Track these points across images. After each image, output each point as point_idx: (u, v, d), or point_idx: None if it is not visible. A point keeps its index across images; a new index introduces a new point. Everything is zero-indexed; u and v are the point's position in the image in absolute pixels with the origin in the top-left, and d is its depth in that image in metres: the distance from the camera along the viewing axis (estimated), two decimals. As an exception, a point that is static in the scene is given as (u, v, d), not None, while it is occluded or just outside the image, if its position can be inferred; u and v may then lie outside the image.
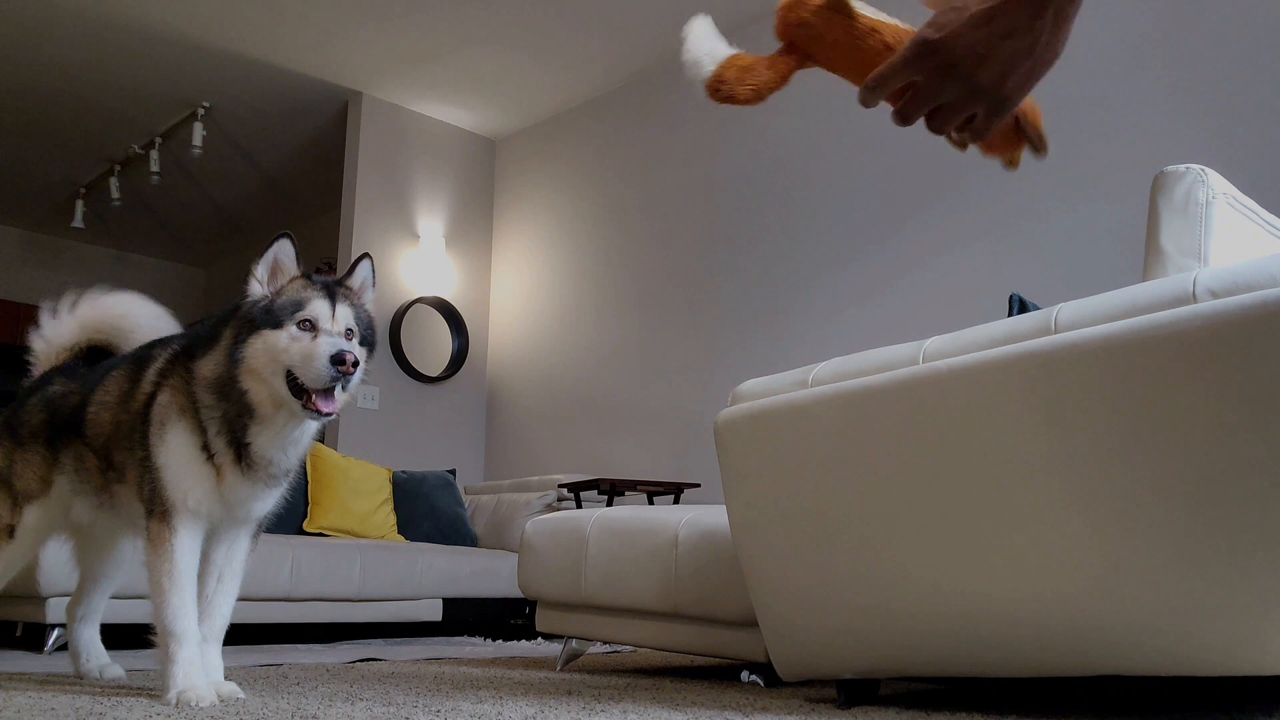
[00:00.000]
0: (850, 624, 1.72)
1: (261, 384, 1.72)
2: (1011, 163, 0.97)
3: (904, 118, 0.86)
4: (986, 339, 1.51)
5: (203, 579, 1.83)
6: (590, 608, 2.55)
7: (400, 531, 4.51)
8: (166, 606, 1.72)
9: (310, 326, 1.72)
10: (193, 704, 1.64)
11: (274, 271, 1.78)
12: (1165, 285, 1.35)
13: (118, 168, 6.32)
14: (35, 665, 2.51)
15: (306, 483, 4.32)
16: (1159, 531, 1.32)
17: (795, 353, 4.11)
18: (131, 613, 2.75)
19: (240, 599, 1.90)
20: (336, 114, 5.76)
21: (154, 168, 5.96)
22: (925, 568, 1.57)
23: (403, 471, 4.76)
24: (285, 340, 1.70)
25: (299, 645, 3.58)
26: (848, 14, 0.90)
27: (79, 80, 5.37)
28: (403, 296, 5.52)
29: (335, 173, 5.92)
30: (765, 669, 2.19)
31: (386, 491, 4.59)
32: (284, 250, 1.79)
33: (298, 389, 1.69)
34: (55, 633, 2.99)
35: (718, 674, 2.52)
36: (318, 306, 1.73)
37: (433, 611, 4.05)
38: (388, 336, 5.39)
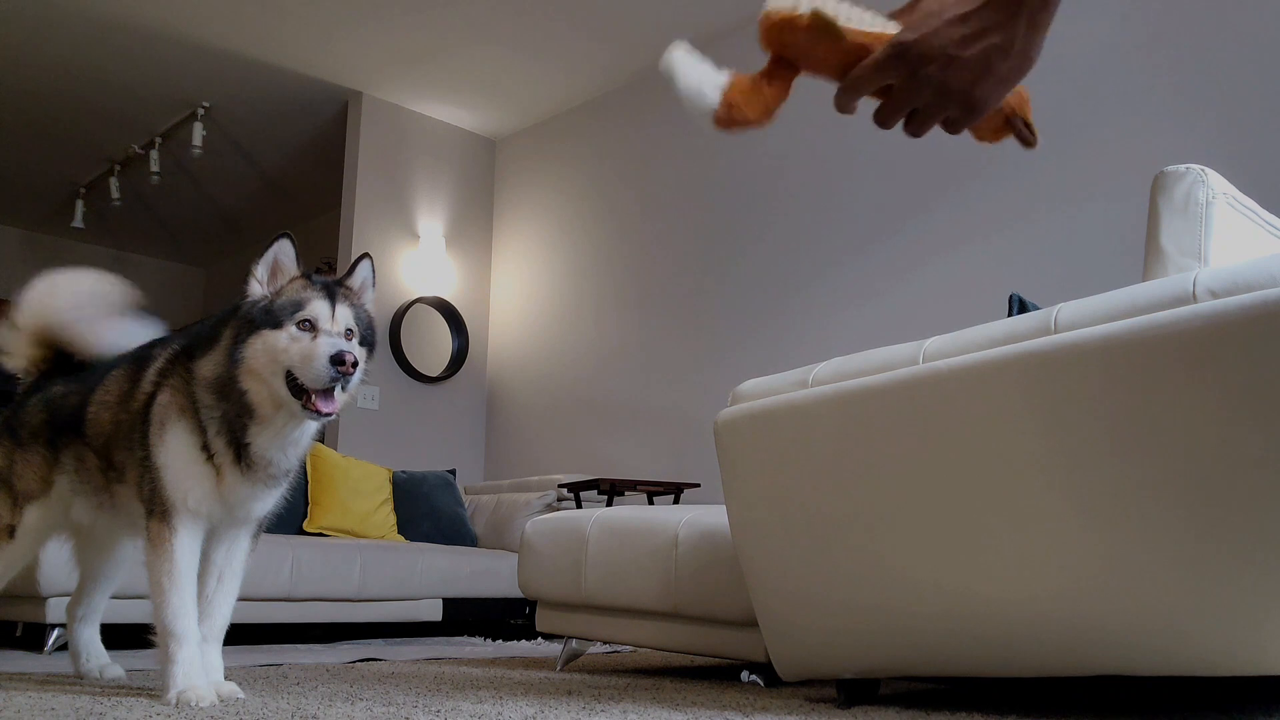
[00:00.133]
0: (850, 624, 1.72)
1: (261, 384, 1.72)
2: (996, 141, 0.98)
3: (882, 122, 0.87)
4: (986, 339, 1.51)
5: (203, 579, 1.83)
6: (590, 608, 2.55)
7: (400, 531, 4.51)
8: (166, 606, 1.72)
9: (310, 327, 1.71)
10: (193, 704, 1.64)
11: (274, 272, 1.78)
12: (1165, 285, 1.35)
13: (118, 168, 6.32)
14: (35, 665, 2.51)
15: (306, 483, 4.33)
16: (1159, 531, 1.32)
17: (795, 353, 4.11)
18: (131, 613, 2.75)
19: (240, 599, 1.90)
20: (336, 114, 5.76)
21: (154, 168, 5.96)
22: (925, 567, 1.57)
23: (403, 471, 4.76)
24: (285, 340, 1.70)
25: (299, 645, 3.58)
26: (835, 36, 0.90)
27: (79, 80, 5.37)
28: (403, 296, 5.52)
29: (335, 173, 5.92)
30: (765, 669, 2.19)
31: (386, 491, 4.59)
32: (284, 250, 1.79)
33: (297, 389, 1.69)
34: (55, 633, 2.99)
35: (718, 674, 2.52)
36: (317, 307, 1.73)
37: (433, 611, 4.05)
38: (388, 336, 5.39)
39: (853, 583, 1.69)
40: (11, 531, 2.00)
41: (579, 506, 4.25)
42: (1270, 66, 3.13)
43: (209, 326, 1.84)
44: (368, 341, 1.81)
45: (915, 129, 0.87)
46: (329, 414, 1.69)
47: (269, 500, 1.86)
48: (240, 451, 1.76)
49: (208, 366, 1.77)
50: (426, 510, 4.60)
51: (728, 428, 1.85)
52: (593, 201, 5.46)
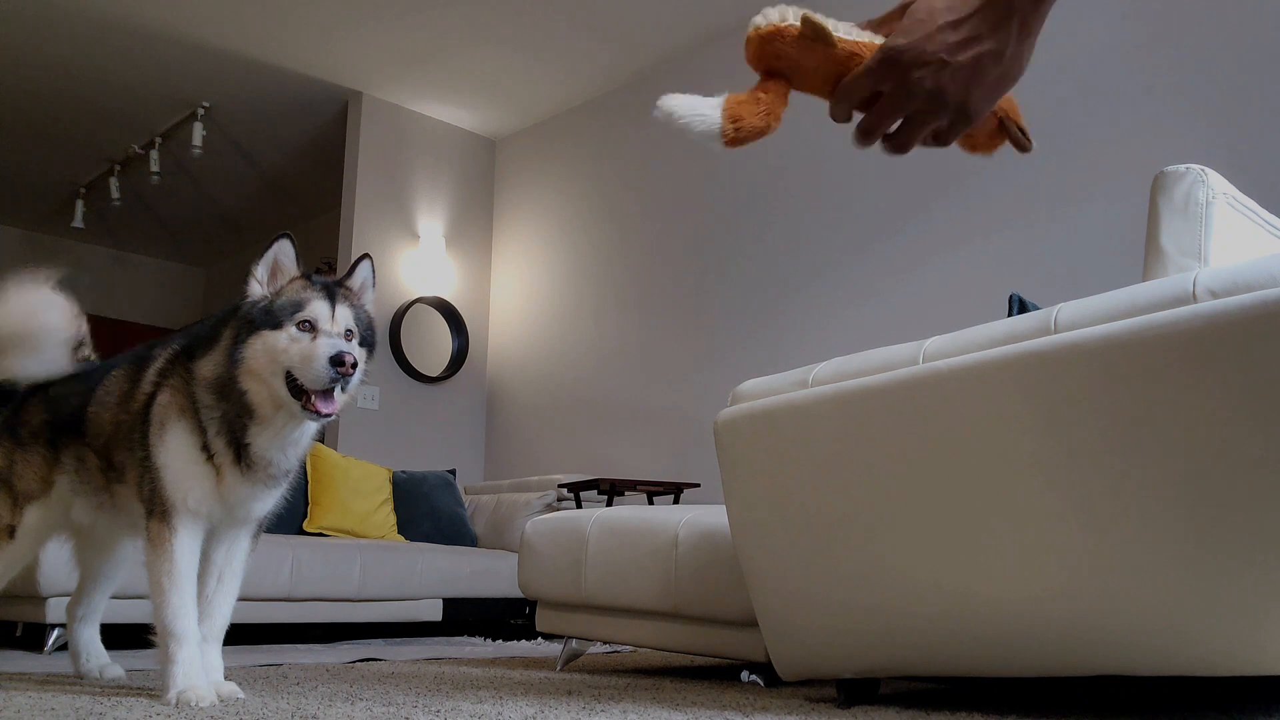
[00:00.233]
0: (850, 624, 1.72)
1: (261, 385, 1.72)
2: (983, 154, 0.97)
3: (868, 132, 0.85)
4: (986, 339, 1.51)
5: (203, 579, 1.83)
6: (590, 608, 2.55)
7: (400, 531, 4.51)
8: (166, 606, 1.72)
9: (310, 327, 1.71)
10: (193, 704, 1.64)
11: (274, 272, 1.78)
12: (1165, 285, 1.35)
13: (118, 168, 6.32)
14: (35, 665, 2.51)
15: (306, 483, 4.33)
16: (1159, 531, 1.32)
17: (795, 353, 4.11)
18: (131, 613, 2.75)
19: (240, 599, 1.90)
20: (336, 114, 5.76)
21: (154, 168, 5.96)
22: (925, 567, 1.57)
23: (403, 471, 4.76)
24: (285, 341, 1.70)
25: (299, 645, 3.58)
26: (827, 42, 0.89)
27: (79, 80, 5.37)
28: (403, 296, 5.52)
29: (335, 173, 5.92)
30: (765, 669, 2.19)
31: (386, 491, 4.59)
32: (284, 251, 1.79)
33: (297, 390, 1.69)
34: (55, 633, 2.99)
35: (718, 674, 2.52)
36: (317, 307, 1.73)
37: (433, 611, 4.05)
38: (388, 336, 5.40)
39: (853, 583, 1.69)
40: (11, 531, 2.00)
41: (579, 506, 4.25)
42: (1270, 66, 3.13)
43: (209, 327, 1.84)
44: (368, 342, 1.81)
45: (901, 141, 0.86)
46: (329, 414, 1.69)
47: (269, 500, 1.86)
48: (240, 452, 1.76)
49: (208, 367, 1.77)
50: (426, 510, 4.60)
51: (728, 428, 1.85)
52: (593, 202, 5.46)
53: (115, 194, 6.34)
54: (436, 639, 4.13)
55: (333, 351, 1.66)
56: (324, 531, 4.24)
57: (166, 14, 4.75)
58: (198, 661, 1.73)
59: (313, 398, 1.68)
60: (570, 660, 2.68)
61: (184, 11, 4.73)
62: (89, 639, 2.18)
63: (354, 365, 1.68)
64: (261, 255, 1.78)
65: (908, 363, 1.60)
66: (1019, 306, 1.99)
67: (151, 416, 1.80)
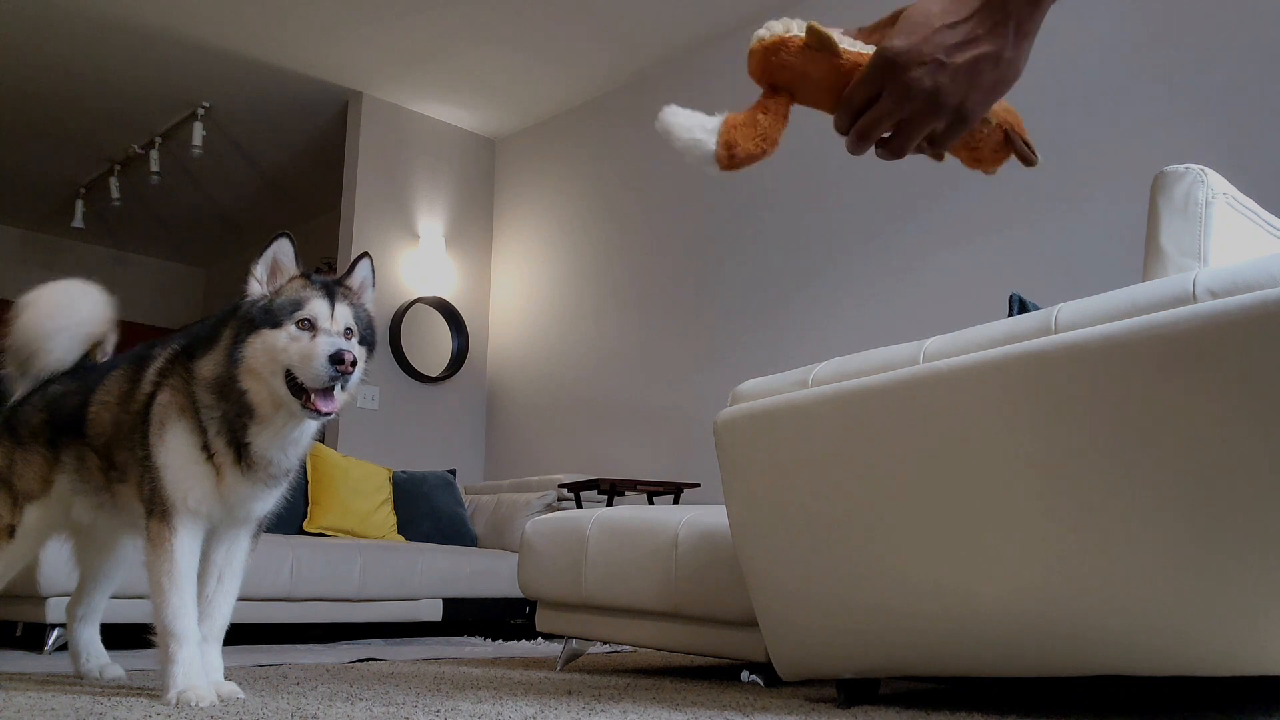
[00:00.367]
0: (850, 624, 1.72)
1: (261, 384, 1.72)
2: (989, 172, 0.97)
3: (863, 134, 0.85)
4: (986, 339, 1.51)
5: (203, 579, 1.83)
6: (590, 608, 2.55)
7: (400, 531, 4.51)
8: (166, 606, 1.72)
9: (309, 326, 1.71)
10: (193, 704, 1.64)
11: (273, 271, 1.78)
12: (1165, 285, 1.35)
13: (118, 168, 6.32)
14: (35, 665, 2.51)
15: (306, 483, 4.33)
16: (1159, 531, 1.32)
17: (795, 353, 4.11)
18: (131, 613, 2.75)
19: (240, 599, 1.90)
20: (336, 114, 5.76)
21: (154, 168, 5.96)
22: (926, 567, 1.57)
23: (403, 471, 4.76)
24: (284, 340, 1.70)
25: (299, 645, 3.58)
26: (833, 52, 0.88)
27: (79, 80, 5.37)
28: (403, 296, 5.52)
29: (335, 173, 5.92)
30: (765, 669, 2.19)
31: (386, 491, 4.59)
32: (283, 250, 1.79)
33: (297, 388, 1.69)
34: (55, 633, 2.99)
35: (718, 674, 2.52)
36: (316, 306, 1.73)
37: (433, 611, 4.05)
38: (388, 336, 5.40)
39: (853, 583, 1.69)
40: (11, 531, 2.00)
41: (579, 506, 4.25)
42: (1270, 66, 3.13)
43: (209, 326, 1.84)
44: (367, 341, 1.81)
45: (897, 145, 0.85)
46: (328, 413, 1.69)
47: (269, 500, 1.85)
48: (240, 451, 1.76)
49: (207, 366, 1.77)
50: (426, 510, 4.60)
51: (728, 428, 1.85)
52: (593, 202, 5.46)
53: (115, 194, 6.34)
54: (436, 639, 4.13)
55: (332, 350, 1.66)
56: (324, 531, 4.24)
57: (166, 14, 4.75)
58: (198, 661, 1.73)
59: (312, 396, 1.68)
60: (570, 660, 2.68)
61: (184, 11, 4.73)
62: (89, 639, 2.18)
63: (353, 363, 1.68)
64: (260, 254, 1.78)
65: (908, 363, 1.60)
66: (1019, 306, 1.99)
67: (152, 416, 1.80)
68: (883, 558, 1.63)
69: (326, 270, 5.61)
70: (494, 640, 3.98)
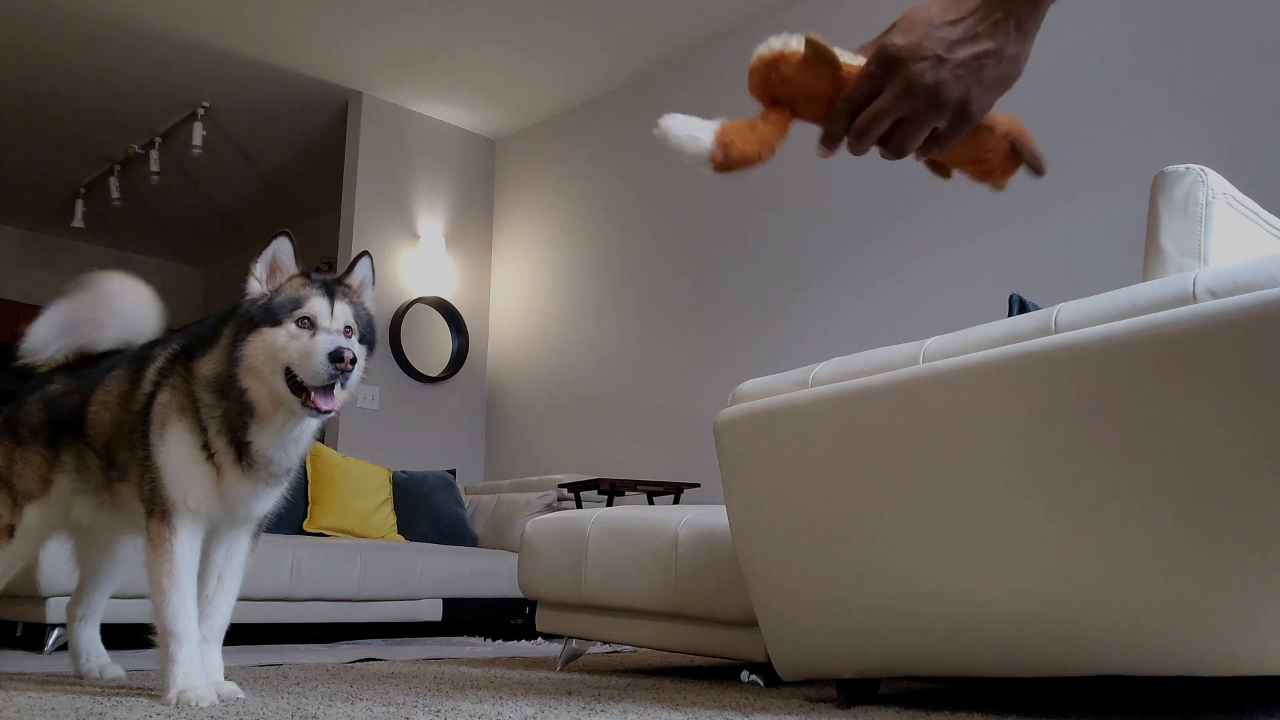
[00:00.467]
0: (850, 624, 1.72)
1: (261, 382, 1.72)
2: (1000, 186, 0.96)
3: (861, 133, 0.84)
4: (986, 339, 1.51)
5: (203, 579, 1.83)
6: (590, 608, 2.55)
7: (400, 531, 4.51)
8: (166, 606, 1.72)
9: (309, 324, 1.71)
10: (193, 704, 1.64)
11: (273, 270, 1.78)
12: (1165, 285, 1.35)
13: (118, 168, 6.32)
14: (35, 665, 2.50)
15: (306, 482, 4.33)
16: (1159, 531, 1.32)
17: (795, 353, 4.11)
18: (131, 613, 2.75)
19: (240, 599, 1.90)
20: (336, 114, 5.76)
21: (154, 168, 5.96)
22: (925, 567, 1.57)
23: (403, 471, 4.76)
24: (284, 338, 1.70)
25: (299, 645, 3.58)
26: (832, 64, 0.88)
27: (79, 80, 5.37)
28: (403, 296, 5.52)
29: (335, 173, 5.92)
30: (765, 669, 2.19)
31: (386, 491, 4.59)
32: (282, 248, 1.79)
33: (297, 387, 1.69)
34: (55, 633, 2.99)
35: (718, 674, 2.52)
36: (316, 304, 1.73)
37: (433, 611, 4.05)
38: (388, 336, 5.40)
39: (853, 583, 1.69)
40: (11, 531, 2.00)
41: (579, 506, 4.25)
42: (1270, 66, 3.13)
43: (209, 326, 1.84)
44: (367, 339, 1.81)
45: (898, 144, 0.84)
46: (328, 411, 1.69)
47: (270, 499, 1.85)
48: (241, 450, 1.76)
49: (208, 365, 1.77)
50: (426, 510, 4.60)
51: (728, 428, 1.85)
52: (593, 202, 5.46)
53: (115, 194, 6.34)
54: (436, 639, 4.13)
55: (331, 347, 1.66)
56: (324, 531, 4.24)
57: (166, 14, 4.75)
58: (198, 661, 1.73)
59: (312, 395, 1.68)
60: (570, 660, 2.68)
61: (184, 11, 4.73)
62: (89, 639, 2.18)
63: (353, 361, 1.68)
64: (260, 253, 1.78)
65: (908, 363, 1.60)
66: (1019, 306, 1.99)
67: (152, 416, 1.80)
68: (883, 558, 1.63)
69: (326, 269, 5.61)
70: (494, 640, 3.98)
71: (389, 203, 5.60)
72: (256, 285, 1.77)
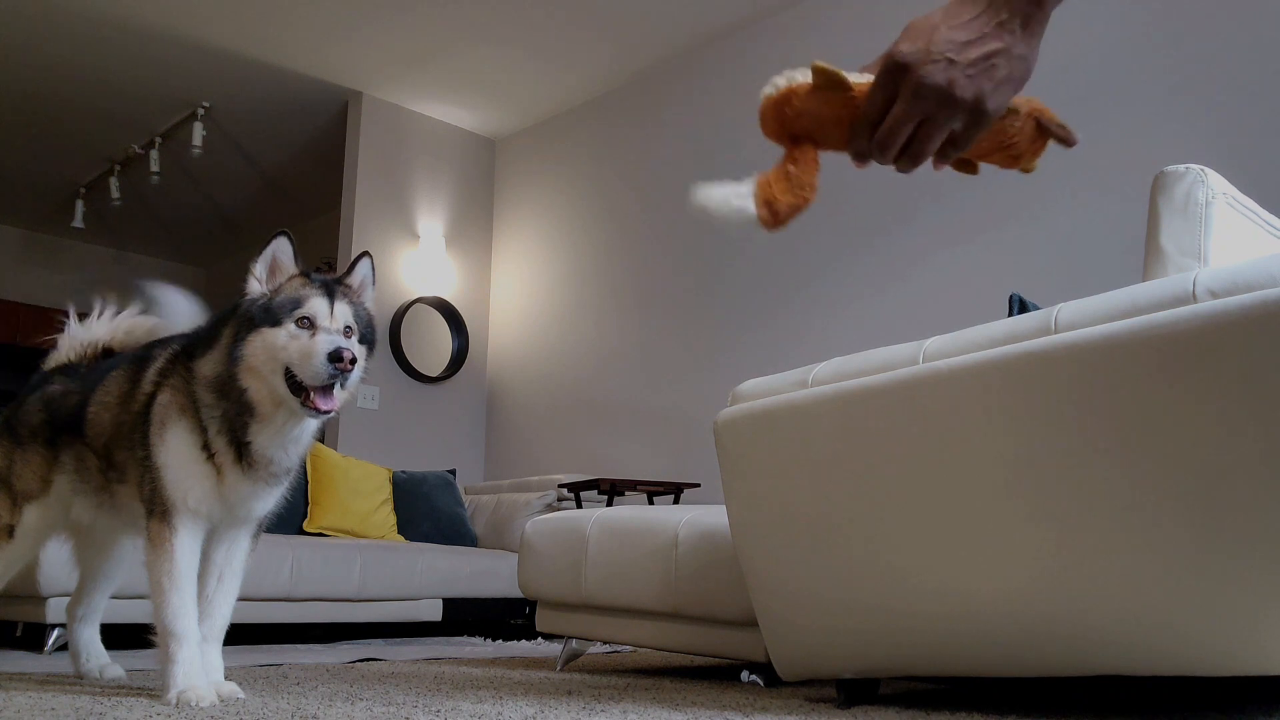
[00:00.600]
0: (850, 624, 1.72)
1: (261, 382, 1.72)
2: (1030, 168, 0.96)
3: (884, 144, 0.84)
4: (986, 339, 1.51)
5: (203, 579, 1.83)
6: (590, 608, 2.55)
7: (400, 531, 4.51)
8: (166, 606, 1.72)
9: (309, 324, 1.71)
10: (193, 704, 1.64)
11: (272, 269, 1.78)
12: (1165, 285, 1.35)
13: (118, 168, 6.32)
14: (35, 665, 2.51)
15: (306, 483, 4.33)
16: (1159, 531, 1.32)
17: (795, 353, 4.11)
18: (131, 613, 2.75)
19: (240, 599, 1.90)
20: (336, 114, 5.76)
21: (154, 168, 5.96)
22: (925, 567, 1.57)
23: (403, 471, 4.76)
24: (284, 338, 1.70)
25: (299, 645, 3.58)
26: (843, 86, 0.87)
27: (79, 80, 5.37)
28: (403, 296, 5.52)
29: (335, 173, 5.92)
30: (765, 669, 2.19)
31: (386, 491, 4.59)
32: (282, 248, 1.79)
33: (297, 387, 1.69)
34: (55, 633, 2.99)
35: (718, 674, 2.52)
36: (316, 304, 1.73)
37: (433, 611, 4.05)
38: (388, 336, 5.40)
39: (853, 583, 1.69)
40: (11, 531, 2.00)
41: (579, 506, 4.25)
42: (1270, 66, 3.13)
43: (209, 326, 1.84)
44: (367, 339, 1.81)
45: (917, 149, 0.84)
46: (328, 411, 1.69)
47: (270, 499, 1.85)
48: (241, 450, 1.76)
49: (208, 365, 1.77)
50: (426, 510, 4.60)
51: (728, 428, 1.85)
52: (593, 201, 5.46)
53: (115, 194, 6.34)
54: (436, 639, 4.13)
55: (331, 347, 1.66)
56: (324, 531, 4.24)
57: (166, 14, 4.75)
58: (198, 661, 1.73)
59: (312, 395, 1.68)
60: (570, 660, 2.68)
61: (184, 11, 4.73)
62: (89, 639, 2.18)
63: (352, 361, 1.68)
64: (260, 253, 1.78)
65: (908, 363, 1.60)
66: (1019, 306, 1.99)
67: (152, 416, 1.80)
68: (883, 558, 1.63)
69: (326, 269, 5.61)
70: (494, 640, 3.98)
71: (389, 203, 5.60)
72: (256, 285, 1.77)
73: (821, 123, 0.89)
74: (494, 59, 5.18)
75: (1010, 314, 1.94)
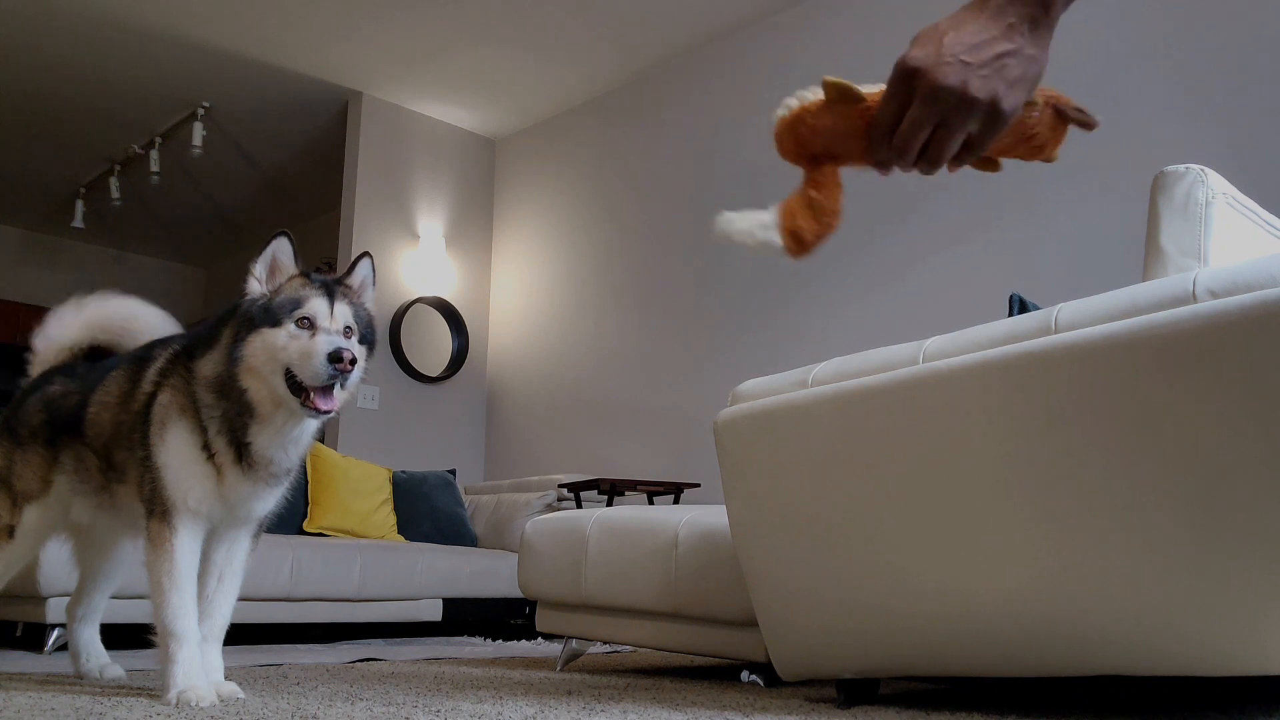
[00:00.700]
0: (850, 624, 1.72)
1: (261, 382, 1.72)
2: (1052, 158, 0.96)
3: (903, 150, 0.84)
4: (986, 339, 1.51)
5: (203, 579, 1.83)
6: (590, 608, 2.55)
7: (400, 531, 4.51)
8: (166, 606, 1.72)
9: (308, 324, 1.71)
10: (193, 704, 1.64)
11: (272, 270, 1.78)
12: (1165, 285, 1.35)
13: (118, 168, 6.32)
14: (35, 665, 2.51)
15: (306, 483, 4.33)
16: (1159, 531, 1.32)
17: (795, 353, 4.11)
18: (131, 613, 2.75)
19: (240, 599, 1.90)
20: (336, 114, 5.76)
21: (154, 168, 5.96)
22: (925, 567, 1.57)
23: (403, 471, 4.76)
24: (284, 338, 1.70)
25: (299, 645, 3.58)
26: (855, 98, 0.86)
27: (79, 80, 5.37)
28: (403, 296, 5.52)
29: (335, 173, 5.92)
30: (765, 669, 2.19)
31: (386, 491, 4.59)
32: (282, 249, 1.79)
33: (297, 387, 1.69)
34: (55, 633, 2.99)
35: (718, 674, 2.52)
36: (316, 304, 1.73)
37: (433, 611, 4.05)
38: (388, 336, 5.40)
39: (853, 583, 1.69)
40: (11, 531, 2.00)
41: (579, 506, 4.25)
42: (1270, 66, 3.13)
43: (209, 326, 1.84)
44: (367, 340, 1.81)
45: (934, 153, 0.84)
46: (328, 411, 1.69)
47: (270, 499, 1.85)
48: (241, 451, 1.76)
49: (208, 366, 1.77)
50: (426, 510, 4.60)
51: (728, 428, 1.85)
52: (593, 201, 5.46)
53: (115, 194, 6.34)
54: (436, 639, 4.13)
55: (331, 348, 1.66)
56: (324, 531, 4.24)
57: (166, 14, 4.75)
58: (198, 661, 1.73)
59: (312, 395, 1.68)
60: (570, 660, 2.68)
61: (184, 11, 4.73)
62: (89, 639, 2.18)
63: (352, 362, 1.68)
64: (260, 253, 1.78)
65: (908, 363, 1.60)
66: (1019, 306, 1.99)
67: (152, 416, 1.80)
68: (883, 558, 1.63)
69: (326, 270, 5.61)
70: (494, 640, 3.98)
71: (389, 203, 5.60)
72: (256, 285, 1.77)
73: (838, 137, 0.89)
74: (494, 59, 5.18)
75: (1010, 314, 1.94)
